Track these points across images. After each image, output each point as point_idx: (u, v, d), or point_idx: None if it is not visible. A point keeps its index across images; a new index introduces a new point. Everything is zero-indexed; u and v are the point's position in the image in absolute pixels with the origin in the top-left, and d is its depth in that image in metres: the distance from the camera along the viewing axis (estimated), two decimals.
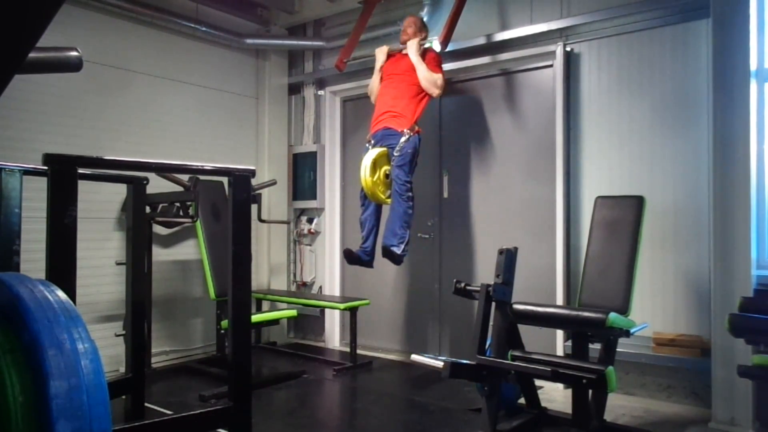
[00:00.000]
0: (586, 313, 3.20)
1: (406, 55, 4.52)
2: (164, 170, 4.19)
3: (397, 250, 4.25)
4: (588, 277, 3.56)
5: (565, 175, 4.33)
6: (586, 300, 3.51)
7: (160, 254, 5.03)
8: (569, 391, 3.66)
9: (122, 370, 4.27)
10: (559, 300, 4.28)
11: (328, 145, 5.87)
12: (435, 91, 4.41)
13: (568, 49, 4.38)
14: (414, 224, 4.52)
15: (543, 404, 3.58)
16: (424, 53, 4.53)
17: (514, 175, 4.76)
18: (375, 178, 4.28)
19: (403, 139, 4.29)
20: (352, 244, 5.70)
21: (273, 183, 5.51)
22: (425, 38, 4.60)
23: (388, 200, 4.37)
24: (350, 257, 4.40)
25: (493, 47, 4.76)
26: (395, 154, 4.29)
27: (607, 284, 3.44)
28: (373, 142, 4.45)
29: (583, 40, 4.36)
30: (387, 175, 4.34)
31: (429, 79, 4.39)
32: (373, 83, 4.75)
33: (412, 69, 4.45)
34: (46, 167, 2.05)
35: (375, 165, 4.27)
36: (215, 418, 2.44)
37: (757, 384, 3.31)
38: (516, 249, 3.37)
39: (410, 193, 4.32)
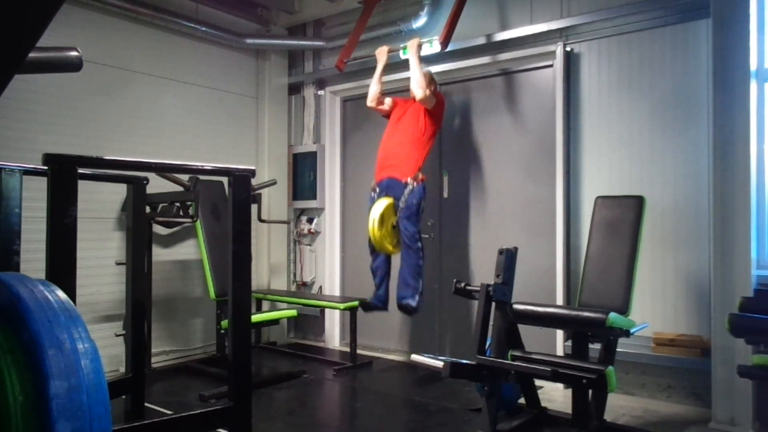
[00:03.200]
0: (586, 313, 3.20)
1: (413, 102, 4.53)
2: (164, 170, 4.19)
3: (413, 303, 4.34)
4: (588, 277, 3.56)
5: (565, 175, 4.33)
6: (586, 300, 3.51)
7: (160, 254, 5.03)
8: (569, 391, 3.66)
9: (122, 370, 4.28)
10: (559, 300, 4.28)
11: (328, 145, 5.87)
12: (419, 93, 4.40)
13: (568, 49, 4.38)
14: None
15: (543, 404, 3.58)
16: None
17: (514, 175, 4.76)
18: (383, 232, 4.34)
19: (407, 190, 4.33)
20: (352, 244, 5.72)
21: (273, 183, 5.51)
22: (434, 90, 4.58)
23: (395, 250, 4.45)
24: (367, 308, 4.62)
25: (493, 47, 4.76)
26: (401, 205, 4.34)
27: (607, 284, 3.44)
28: (378, 191, 4.49)
29: (583, 40, 4.36)
30: (394, 227, 4.39)
31: (419, 83, 4.40)
32: (372, 89, 4.75)
33: (417, 111, 4.47)
34: (46, 167, 2.05)
35: (383, 218, 4.32)
36: (215, 418, 2.44)
37: (757, 384, 3.31)
38: (516, 249, 3.38)
39: (420, 244, 4.39)
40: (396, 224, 4.39)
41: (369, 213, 4.41)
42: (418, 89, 4.40)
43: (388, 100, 4.78)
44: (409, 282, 4.36)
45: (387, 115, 4.79)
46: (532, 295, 4.14)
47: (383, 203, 4.35)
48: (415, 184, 4.35)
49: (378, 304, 4.57)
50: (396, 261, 4.57)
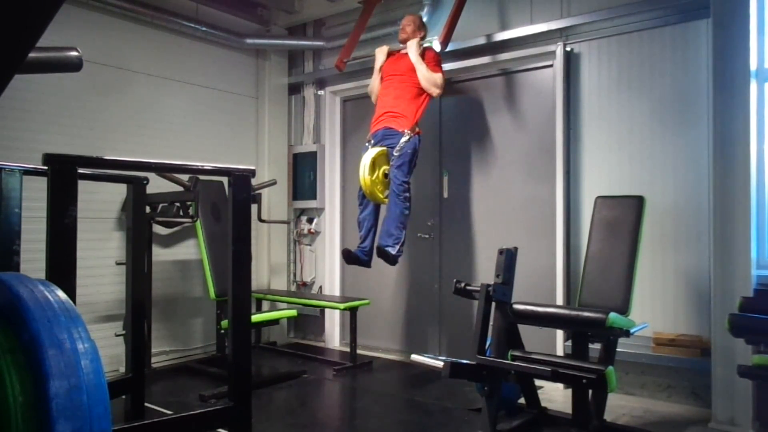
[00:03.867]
0: (586, 313, 3.20)
1: (406, 54, 4.52)
2: (164, 170, 4.19)
3: (392, 251, 4.25)
4: (588, 277, 3.56)
5: (565, 175, 4.33)
6: (586, 300, 3.51)
7: (160, 254, 5.03)
8: (569, 391, 3.66)
9: (122, 370, 4.28)
10: (559, 300, 4.28)
11: (328, 145, 5.87)
12: (435, 91, 4.40)
13: (568, 49, 4.38)
14: (413, 224, 4.52)
15: (543, 404, 3.58)
16: (424, 52, 4.52)
17: (514, 175, 4.76)
18: (374, 177, 4.27)
19: (403, 139, 4.28)
20: (352, 243, 5.70)
21: (273, 183, 5.51)
22: (424, 37, 4.60)
23: (387, 200, 4.37)
24: (348, 257, 4.39)
25: (493, 47, 4.76)
26: (395, 153, 4.29)
27: (607, 284, 3.44)
28: (372, 141, 4.44)
29: (583, 40, 4.36)
30: (386, 175, 4.34)
31: (429, 79, 4.38)
32: (373, 83, 4.75)
33: (412, 69, 4.44)
34: (46, 167, 2.05)
35: (374, 164, 4.27)
36: (215, 418, 2.44)
37: (757, 384, 3.31)
38: (516, 249, 3.37)
39: (407, 194, 4.31)
40: (387, 173, 4.33)
41: (361, 160, 4.36)
42: (434, 89, 4.40)
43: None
44: (391, 231, 4.27)
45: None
46: (532, 295, 4.14)
47: (375, 150, 4.31)
48: (411, 134, 4.32)
49: (361, 256, 4.41)
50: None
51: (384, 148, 4.33)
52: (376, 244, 4.31)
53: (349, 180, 5.84)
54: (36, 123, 4.31)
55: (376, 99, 4.72)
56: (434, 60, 4.50)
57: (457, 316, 4.98)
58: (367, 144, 4.48)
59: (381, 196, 4.35)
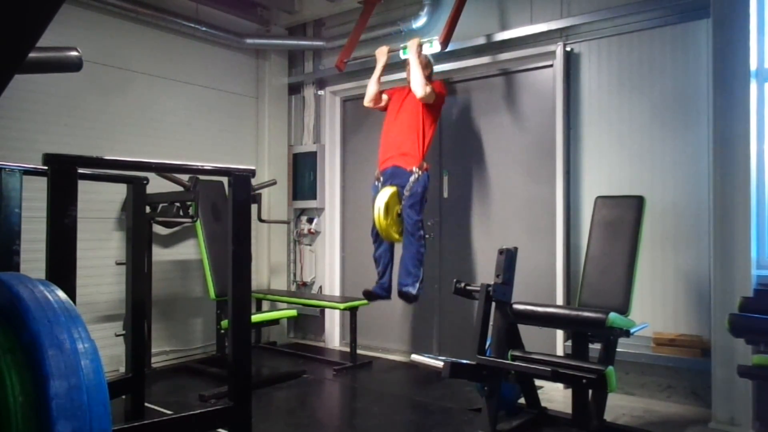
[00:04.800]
0: (586, 313, 3.20)
1: (410, 90, 4.53)
2: (164, 170, 4.19)
3: (413, 290, 4.33)
4: (588, 277, 3.56)
5: (565, 175, 4.33)
6: (586, 300, 3.51)
7: (160, 254, 5.03)
8: (569, 391, 3.66)
9: (122, 370, 4.27)
10: (559, 300, 4.28)
11: (328, 145, 5.87)
12: (419, 91, 4.39)
13: (568, 49, 4.38)
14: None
15: (543, 404, 3.58)
16: (430, 76, 4.56)
17: (514, 175, 4.75)
18: (389, 220, 4.34)
19: (412, 178, 4.33)
20: (352, 243, 5.72)
21: (273, 183, 5.51)
22: (429, 76, 4.58)
23: (401, 238, 4.44)
24: (370, 296, 4.55)
25: (493, 47, 4.75)
26: (405, 193, 4.34)
27: (607, 284, 3.44)
28: (382, 179, 4.49)
29: (583, 40, 4.36)
30: (399, 215, 4.39)
31: (419, 82, 4.39)
32: (370, 89, 4.75)
33: (417, 103, 4.46)
34: (46, 167, 2.05)
35: (388, 207, 4.32)
36: (215, 418, 2.44)
37: (757, 384, 3.31)
38: (516, 249, 3.38)
39: (422, 232, 4.38)
40: (400, 212, 4.38)
41: (373, 202, 4.39)
42: (419, 89, 4.40)
43: (384, 97, 4.78)
44: (410, 270, 4.34)
45: (385, 108, 4.79)
46: (532, 295, 4.14)
47: (388, 192, 4.34)
48: (420, 172, 4.35)
49: (381, 292, 4.54)
50: (398, 250, 4.53)
51: (395, 188, 4.37)
52: (396, 287, 4.40)
53: (349, 180, 5.84)
54: (36, 123, 4.31)
55: (369, 103, 4.75)
56: (438, 85, 4.55)
57: (457, 316, 4.98)
58: (376, 182, 4.53)
59: (396, 236, 4.43)
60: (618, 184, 4.09)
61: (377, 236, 4.49)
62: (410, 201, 4.32)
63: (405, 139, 4.43)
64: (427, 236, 4.45)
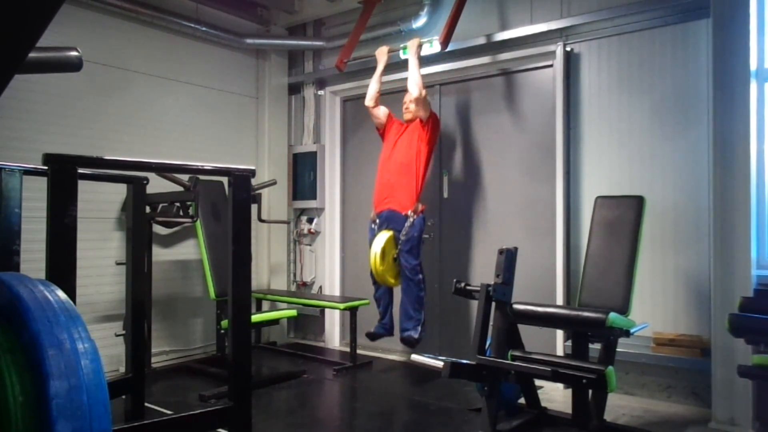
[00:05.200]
0: (586, 313, 3.20)
1: (408, 124, 4.57)
2: (164, 170, 4.19)
3: (415, 335, 4.38)
4: (588, 277, 3.56)
5: (565, 175, 4.33)
6: (586, 300, 3.51)
7: (160, 254, 5.03)
8: (569, 391, 3.66)
9: (122, 370, 4.28)
10: (559, 300, 4.28)
11: (328, 145, 5.87)
12: (414, 91, 4.45)
13: (568, 49, 4.38)
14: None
15: (543, 404, 3.58)
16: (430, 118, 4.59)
17: (514, 175, 4.75)
18: (385, 266, 4.38)
19: (407, 223, 4.36)
20: (352, 243, 5.72)
21: (273, 183, 5.51)
22: (426, 96, 4.58)
23: (396, 283, 4.49)
24: (373, 337, 4.64)
25: (493, 47, 4.75)
26: (402, 238, 4.37)
27: (607, 284, 3.44)
28: (378, 222, 4.51)
29: (583, 40, 4.36)
30: (394, 259, 4.43)
31: (417, 83, 4.45)
32: (371, 88, 4.77)
33: (412, 136, 4.48)
34: (46, 167, 2.05)
35: (384, 252, 4.35)
36: (215, 418, 2.44)
37: (757, 384, 3.31)
38: (516, 249, 3.38)
39: (420, 276, 4.43)
40: (397, 257, 4.43)
41: (370, 246, 4.44)
42: (415, 87, 4.45)
43: (384, 109, 4.76)
44: (411, 314, 4.41)
45: (380, 126, 4.79)
46: (532, 295, 4.14)
47: (384, 237, 4.38)
48: (415, 216, 4.38)
49: (383, 332, 4.63)
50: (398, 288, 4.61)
51: (391, 233, 4.40)
52: (399, 333, 4.46)
53: (349, 180, 5.84)
54: (36, 123, 4.31)
55: (370, 102, 4.75)
56: (435, 119, 4.59)
57: (457, 316, 4.98)
58: (372, 225, 4.57)
59: (392, 281, 4.48)
60: (618, 184, 4.09)
61: (377, 280, 4.54)
62: (407, 246, 4.37)
63: (399, 181, 4.46)
64: (424, 277, 4.49)
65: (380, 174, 4.65)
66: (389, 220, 4.45)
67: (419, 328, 4.38)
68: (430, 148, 4.54)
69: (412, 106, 4.56)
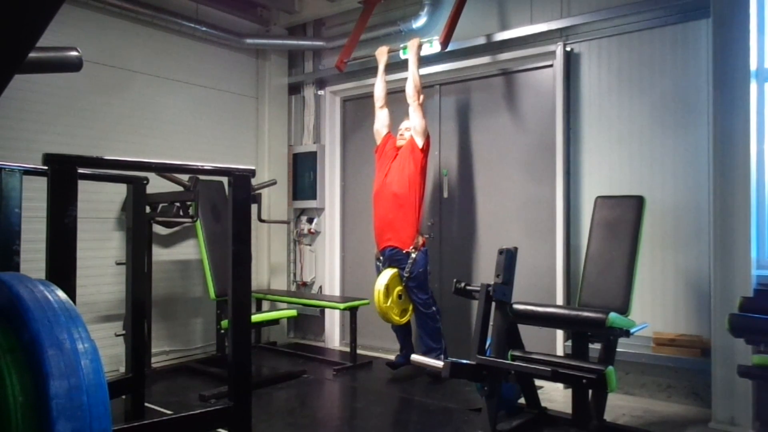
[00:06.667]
0: (586, 313, 3.20)
1: (401, 148, 4.58)
2: (164, 170, 4.19)
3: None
4: (588, 277, 3.56)
5: (565, 175, 4.33)
6: (586, 300, 3.51)
7: (160, 254, 5.03)
8: (569, 391, 3.66)
9: (122, 370, 4.27)
10: (559, 300, 4.28)
11: (328, 145, 5.87)
12: (411, 91, 4.46)
13: (568, 49, 4.38)
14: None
15: (543, 404, 3.58)
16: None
17: (514, 175, 4.75)
18: (389, 303, 4.38)
19: (410, 261, 4.37)
20: (352, 243, 5.72)
21: (273, 183, 5.51)
22: (423, 147, 4.55)
23: (401, 321, 4.49)
24: (394, 367, 4.62)
25: (493, 47, 4.75)
26: (405, 275, 4.38)
27: (607, 284, 3.44)
28: (382, 259, 4.54)
29: (583, 40, 4.36)
30: (400, 296, 4.44)
31: (415, 86, 4.47)
32: (378, 89, 4.78)
33: (404, 161, 4.48)
34: (46, 167, 2.05)
35: (388, 289, 4.36)
36: (215, 418, 2.44)
37: (757, 384, 3.31)
38: (516, 249, 3.38)
39: (434, 308, 4.46)
40: (402, 294, 4.44)
41: (374, 283, 4.44)
42: (412, 89, 4.48)
43: (384, 129, 4.73)
44: (431, 346, 4.42)
45: (377, 139, 4.78)
46: (532, 295, 4.14)
47: (387, 274, 4.39)
48: (417, 252, 4.39)
49: (405, 362, 4.56)
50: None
51: (395, 270, 4.41)
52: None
53: (349, 180, 5.84)
54: (36, 123, 4.31)
55: (380, 102, 4.76)
56: (428, 142, 4.57)
57: (457, 316, 4.98)
58: (377, 262, 4.59)
59: (396, 318, 4.47)
60: (618, 184, 4.09)
61: (381, 318, 4.53)
62: (414, 283, 4.39)
63: (397, 216, 4.45)
64: (438, 308, 4.49)
65: (376, 208, 4.63)
66: (392, 258, 4.47)
67: (442, 357, 4.32)
68: (424, 176, 4.53)
69: (407, 134, 4.57)
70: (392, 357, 5.24)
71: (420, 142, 4.47)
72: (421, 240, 4.45)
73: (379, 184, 4.63)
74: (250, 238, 2.52)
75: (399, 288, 4.42)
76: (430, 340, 4.44)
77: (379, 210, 4.61)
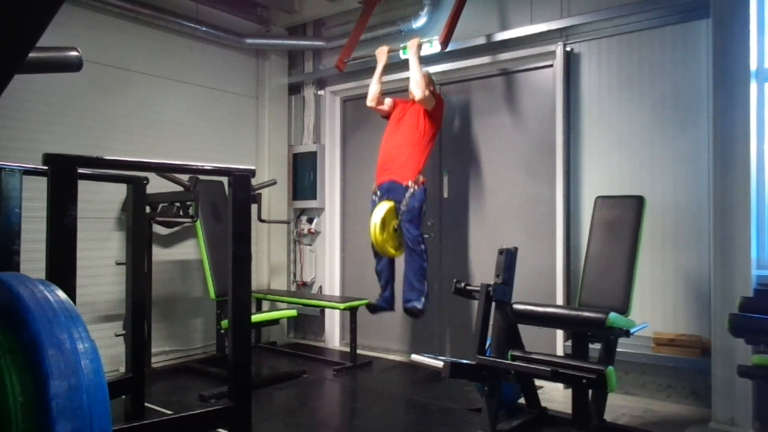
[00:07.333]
0: (586, 313, 3.20)
1: (413, 102, 4.54)
2: (164, 170, 4.19)
3: (418, 305, 4.35)
4: (588, 277, 3.56)
5: (565, 175, 4.33)
6: (586, 300, 3.51)
7: (160, 254, 5.03)
8: (569, 391, 3.66)
9: (122, 370, 4.27)
10: (559, 300, 4.28)
11: (328, 145, 5.87)
12: (417, 93, 4.42)
13: (568, 49, 4.38)
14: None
15: (543, 404, 3.58)
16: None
17: (514, 175, 4.75)
18: (384, 236, 4.34)
19: (408, 193, 4.34)
20: (352, 243, 5.72)
21: (273, 183, 5.51)
22: (433, 91, 4.59)
23: (398, 253, 4.45)
24: (373, 309, 4.61)
25: (493, 47, 4.76)
26: (402, 208, 4.35)
27: (607, 284, 3.44)
28: (379, 194, 4.50)
29: (583, 40, 4.36)
30: (395, 230, 4.40)
31: (418, 84, 4.41)
32: (372, 89, 4.76)
33: (417, 113, 4.48)
34: (46, 167, 2.05)
35: (384, 222, 4.33)
36: (215, 418, 2.44)
37: (757, 384, 3.31)
38: (516, 249, 3.37)
39: (423, 246, 4.41)
40: (397, 227, 4.40)
41: (370, 217, 4.41)
42: (417, 89, 4.40)
43: (388, 101, 4.78)
44: (414, 285, 4.38)
45: (387, 115, 4.78)
46: (532, 295, 4.14)
47: (384, 207, 4.35)
48: (416, 187, 4.36)
49: (384, 305, 4.60)
50: (400, 261, 4.57)
51: (392, 203, 4.38)
52: (402, 302, 4.43)
53: (349, 180, 5.84)
54: (36, 123, 4.31)
55: (371, 103, 4.74)
56: (440, 102, 4.57)
57: (457, 316, 4.98)
58: (374, 197, 4.55)
59: (392, 251, 4.44)
60: (618, 184, 4.09)
61: (377, 251, 4.52)
62: (408, 216, 4.35)
63: (402, 153, 4.44)
64: (427, 247, 4.46)
65: (383, 147, 4.62)
66: (390, 191, 4.43)
67: (423, 299, 4.35)
68: (436, 127, 4.54)
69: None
70: (392, 357, 5.26)
71: (418, 94, 4.39)
72: (422, 178, 4.42)
73: (391, 129, 4.62)
74: (250, 238, 2.52)
75: (395, 222, 4.38)
76: (414, 280, 4.37)
77: (385, 148, 4.60)
